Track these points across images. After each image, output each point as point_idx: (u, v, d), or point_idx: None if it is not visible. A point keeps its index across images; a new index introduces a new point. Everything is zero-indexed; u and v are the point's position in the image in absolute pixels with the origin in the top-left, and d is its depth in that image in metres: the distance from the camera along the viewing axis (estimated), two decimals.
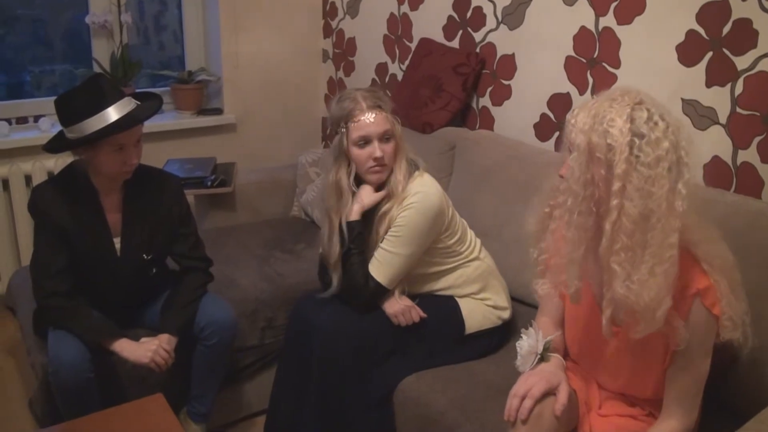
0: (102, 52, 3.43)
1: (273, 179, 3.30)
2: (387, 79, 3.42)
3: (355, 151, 2.05)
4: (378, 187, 2.10)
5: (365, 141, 2.05)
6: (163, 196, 2.19)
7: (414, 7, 3.21)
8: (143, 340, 2.09)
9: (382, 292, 2.05)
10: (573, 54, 2.55)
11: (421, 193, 2.02)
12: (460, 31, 2.99)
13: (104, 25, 3.39)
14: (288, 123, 3.84)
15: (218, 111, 3.66)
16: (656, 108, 1.45)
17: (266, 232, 3.03)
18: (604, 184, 1.45)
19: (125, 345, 2.06)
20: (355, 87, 2.17)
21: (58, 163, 3.20)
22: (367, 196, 2.08)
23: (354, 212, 2.08)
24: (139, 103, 2.06)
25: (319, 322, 2.04)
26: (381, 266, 2.04)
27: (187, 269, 2.24)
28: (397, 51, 3.35)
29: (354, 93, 2.07)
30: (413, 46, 3.21)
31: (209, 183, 3.02)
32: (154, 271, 2.23)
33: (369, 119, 2.03)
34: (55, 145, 2.05)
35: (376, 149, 2.04)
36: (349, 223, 2.07)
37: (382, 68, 3.46)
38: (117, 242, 2.14)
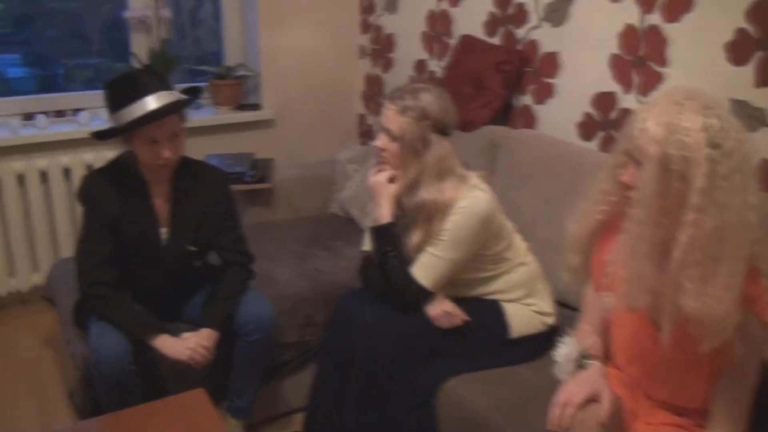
0: (140, 47, 3.47)
1: (311, 175, 3.31)
2: (425, 76, 3.41)
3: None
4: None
5: (379, 131, 2.07)
6: (210, 188, 2.20)
7: (454, 3, 3.20)
8: (184, 335, 2.10)
9: (426, 296, 2.03)
10: (618, 52, 2.52)
11: (470, 197, 2.00)
12: (502, 28, 2.97)
13: (143, 19, 3.43)
14: (325, 119, 3.85)
15: (256, 106, 3.68)
16: (722, 112, 1.42)
17: (304, 229, 3.04)
18: (677, 196, 1.41)
19: (165, 341, 2.07)
20: (419, 81, 2.14)
21: (98, 156, 3.24)
22: (384, 191, 2.08)
23: (385, 214, 2.07)
24: (183, 96, 2.07)
25: (362, 320, 2.03)
26: (426, 269, 2.02)
27: (229, 264, 2.25)
28: (436, 48, 3.34)
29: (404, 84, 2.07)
30: (452, 42, 3.20)
31: (248, 178, 3.04)
32: (198, 263, 2.24)
33: (384, 110, 2.04)
34: (100, 133, 2.08)
35: (377, 139, 2.07)
36: (382, 227, 2.07)
37: (420, 65, 3.45)
38: (164, 232, 2.16)
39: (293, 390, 2.51)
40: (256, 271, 2.32)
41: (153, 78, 2.03)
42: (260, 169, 3.16)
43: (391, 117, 2.02)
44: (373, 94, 3.84)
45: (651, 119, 1.43)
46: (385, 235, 2.06)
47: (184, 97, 2.08)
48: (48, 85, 3.74)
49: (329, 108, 3.86)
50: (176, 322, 2.24)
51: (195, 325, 2.16)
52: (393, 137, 2.02)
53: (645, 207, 1.44)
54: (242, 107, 3.66)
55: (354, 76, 3.90)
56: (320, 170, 3.34)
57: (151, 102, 1.98)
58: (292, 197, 3.23)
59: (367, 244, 2.18)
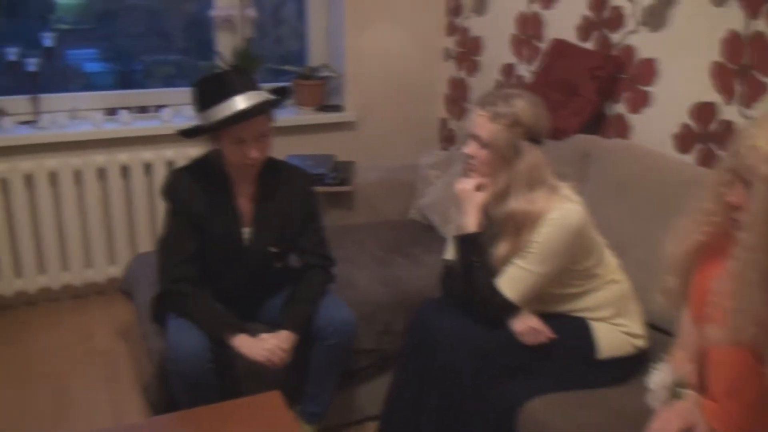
0: (224, 46, 3.56)
1: (392, 180, 3.34)
2: (513, 81, 3.39)
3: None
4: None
5: (468, 137, 2.06)
6: (295, 190, 2.25)
7: (546, 5, 3.18)
8: (263, 336, 2.14)
9: (511, 309, 2.01)
10: (720, 59, 2.46)
11: (562, 209, 1.97)
12: (596, 32, 2.93)
13: (228, 18, 3.52)
14: (407, 122, 3.88)
15: (339, 108, 3.73)
16: None
17: (384, 234, 3.07)
18: None
19: (244, 341, 2.12)
20: (513, 86, 2.13)
21: (178, 153, 3.35)
22: (471, 199, 2.07)
23: (472, 223, 2.07)
24: (272, 96, 2.12)
25: (443, 330, 2.03)
26: (512, 282, 2.00)
27: (310, 266, 2.29)
28: (526, 51, 3.32)
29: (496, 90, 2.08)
30: (543, 46, 3.18)
31: (329, 180, 3.09)
32: (279, 265, 2.29)
33: (473, 116, 2.04)
34: (187, 131, 2.14)
35: (466, 146, 2.06)
36: (468, 236, 2.07)
37: (507, 69, 3.43)
38: (246, 232, 2.21)
39: (368, 397, 2.54)
40: (337, 274, 2.35)
41: (242, 78, 2.08)
42: (341, 171, 3.21)
43: (482, 123, 2.01)
44: (457, 98, 3.84)
45: (762, 136, 1.39)
46: (471, 244, 2.05)
47: (272, 97, 2.12)
48: (125, 80, 3.88)
49: (411, 111, 3.88)
50: (254, 322, 2.29)
51: (273, 327, 2.20)
52: (483, 144, 2.02)
53: (756, 231, 1.39)
54: (324, 108, 3.72)
55: (437, 80, 3.91)
56: (401, 175, 3.36)
57: (240, 102, 2.03)
58: (373, 201, 3.26)
59: (450, 253, 2.18)
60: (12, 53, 3.17)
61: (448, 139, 3.94)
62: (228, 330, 2.12)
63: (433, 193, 3.16)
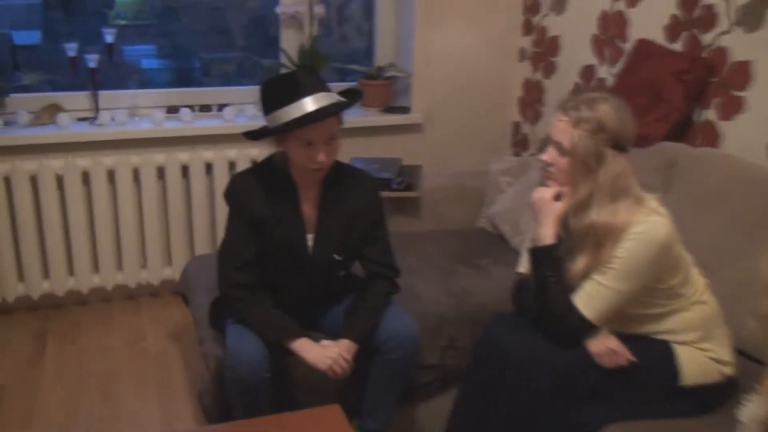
0: (290, 44, 3.59)
1: (460, 186, 3.32)
2: (593, 84, 3.33)
3: None
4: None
5: (546, 143, 2.03)
6: (360, 195, 2.24)
7: (631, 3, 3.11)
8: (324, 343, 2.15)
9: (588, 329, 1.97)
10: None
11: (647, 223, 1.92)
12: (685, 33, 2.85)
13: (294, 15, 3.55)
14: (477, 126, 3.85)
15: (405, 109, 3.73)
16: None
17: (451, 243, 3.05)
18: None
19: (306, 345, 2.13)
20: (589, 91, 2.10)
21: (240, 153, 3.39)
22: (549, 209, 2.03)
23: (548, 235, 2.03)
24: (342, 99, 2.12)
25: (515, 348, 2.00)
26: (591, 300, 1.96)
27: (374, 276, 2.28)
28: (608, 52, 3.25)
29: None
30: (627, 47, 3.11)
31: (395, 185, 3.10)
32: (342, 273, 2.29)
33: (553, 121, 2.00)
34: (253, 133, 2.16)
35: (544, 152, 2.03)
36: (544, 249, 2.03)
37: (588, 71, 3.37)
38: (310, 239, 2.22)
39: (429, 415, 2.51)
40: (401, 285, 2.34)
41: (312, 79, 2.09)
42: (407, 175, 3.20)
43: (563, 129, 1.97)
44: (532, 101, 3.79)
45: None
46: (546, 257, 2.02)
47: (342, 99, 2.12)
48: (183, 78, 3.95)
49: (482, 114, 3.85)
50: (314, 331, 2.29)
51: (333, 336, 2.20)
52: (563, 151, 1.97)
53: None
54: (390, 110, 3.72)
55: (511, 81, 3.87)
56: (470, 181, 3.34)
57: (310, 103, 2.03)
58: (439, 208, 3.25)
59: (523, 266, 2.15)
60: (71, 49, 3.25)
61: (521, 144, 3.89)
62: (288, 334, 2.13)
63: (504, 201, 3.13)
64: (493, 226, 3.18)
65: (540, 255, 2.04)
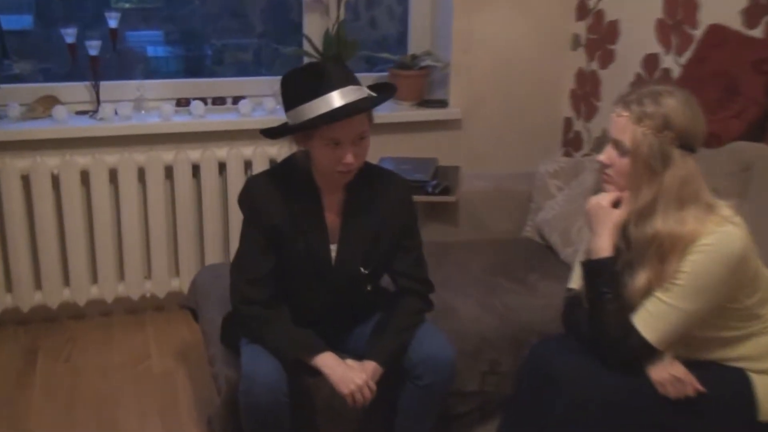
0: (314, 29, 3.61)
1: (503, 190, 3.32)
2: (658, 76, 3.30)
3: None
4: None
5: (603, 141, 2.02)
6: (390, 200, 2.24)
7: None
8: (349, 362, 2.16)
9: (649, 353, 1.95)
10: None
11: (719, 233, 1.90)
12: (766, 18, 2.82)
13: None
14: (523, 122, 3.85)
15: (442, 103, 3.73)
16: None
17: (492, 254, 3.05)
18: None
19: (330, 361, 2.13)
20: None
21: (256, 151, 3.41)
22: (606, 217, 2.02)
23: (604, 247, 2.01)
24: (372, 93, 2.12)
25: (564, 374, 1.99)
26: (652, 320, 1.94)
27: (404, 291, 2.28)
28: (675, 39, 3.22)
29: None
30: (697, 33, 3.08)
31: (430, 189, 3.09)
32: (369, 288, 2.29)
33: (613, 117, 1.99)
34: (272, 130, 2.16)
35: (602, 152, 2.01)
36: (599, 262, 2.02)
37: (651, 60, 3.34)
38: (333, 249, 2.23)
39: None
40: (435, 301, 2.33)
41: (340, 70, 2.10)
42: (443, 178, 3.20)
43: (624, 126, 1.96)
44: (586, 94, 3.77)
45: None
46: (602, 271, 2.00)
47: (373, 94, 2.12)
48: (193, 67, 3.98)
49: (529, 109, 3.84)
50: (338, 352, 2.27)
51: (358, 358, 2.20)
52: (623, 151, 1.96)
53: None
54: (426, 103, 3.72)
55: (562, 72, 3.86)
56: (514, 184, 3.33)
57: (337, 98, 2.04)
58: (480, 214, 3.25)
59: (575, 281, 2.14)
60: (70, 35, 3.28)
61: (574, 143, 3.88)
62: (310, 349, 2.14)
63: (554, 208, 3.12)
64: (541, 236, 3.17)
65: (594, 269, 2.02)
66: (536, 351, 2.14)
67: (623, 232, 2.02)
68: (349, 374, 2.11)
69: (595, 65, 3.70)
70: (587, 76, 3.76)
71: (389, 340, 2.20)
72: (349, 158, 2.08)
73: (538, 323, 2.50)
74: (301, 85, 2.09)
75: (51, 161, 3.23)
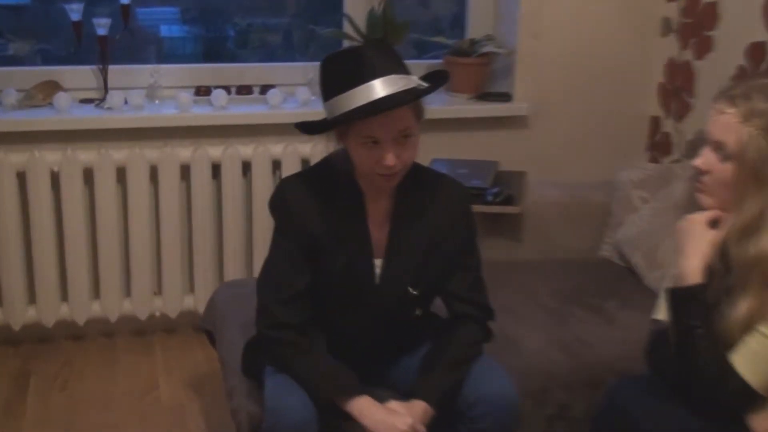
0: (356, 7, 3.63)
1: (577, 201, 3.32)
2: (764, 67, 3.27)
3: None
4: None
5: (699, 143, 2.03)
6: (445, 210, 2.24)
7: None
8: (391, 405, 2.15)
9: (750, 399, 1.93)
10: None
11: None
12: None
13: None
14: (602, 120, 3.84)
15: (505, 97, 3.72)
16: None
17: (563, 277, 3.05)
18: None
19: (366, 408, 2.12)
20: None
21: (287, 149, 3.44)
22: (700, 235, 2.00)
23: (695, 271, 1.99)
24: (422, 83, 2.10)
25: (647, 421, 1.98)
26: (756, 360, 1.92)
27: (460, 317, 2.28)
28: None
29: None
30: None
31: (490, 198, 3.09)
32: (418, 312, 2.29)
33: (712, 114, 1.98)
34: (309, 125, 2.17)
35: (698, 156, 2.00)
36: (690, 289, 2.00)
37: (757, 49, 3.31)
38: (378, 266, 2.23)
39: None
40: (495, 331, 2.33)
41: (384, 56, 2.08)
42: (505, 185, 3.20)
43: (727, 125, 1.94)
44: (677, 88, 3.75)
45: None
46: (693, 301, 1.99)
47: (423, 84, 2.11)
48: (214, 50, 4.00)
49: (609, 105, 3.83)
50: (380, 387, 2.29)
51: (403, 395, 2.20)
52: (725, 155, 1.95)
53: None
54: (485, 97, 3.72)
55: (650, 62, 3.85)
56: (590, 194, 3.34)
57: (378, 88, 2.03)
58: (548, 229, 3.25)
59: (661, 312, 2.12)
60: (75, 11, 3.33)
61: (662, 146, 3.86)
62: (344, 391, 2.13)
63: (637, 223, 3.11)
64: (621, 257, 3.16)
65: (683, 297, 2.01)
66: (614, 393, 2.12)
67: (721, 252, 2.00)
68: (390, 419, 2.10)
69: (688, 55, 3.68)
70: (679, 68, 3.73)
71: (441, 376, 2.18)
72: (389, 159, 2.06)
73: (617, 360, 2.49)
74: (338, 73, 2.09)
75: (50, 157, 3.28)
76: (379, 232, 2.22)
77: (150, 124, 3.38)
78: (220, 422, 2.91)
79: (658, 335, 2.12)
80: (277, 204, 2.23)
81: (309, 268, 2.19)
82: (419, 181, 2.23)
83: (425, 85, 2.11)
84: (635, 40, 3.81)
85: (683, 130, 3.71)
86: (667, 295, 2.07)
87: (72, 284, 3.41)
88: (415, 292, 2.23)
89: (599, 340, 2.63)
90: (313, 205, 2.18)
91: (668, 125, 3.82)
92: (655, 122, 3.89)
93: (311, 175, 2.27)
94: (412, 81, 2.08)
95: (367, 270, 2.22)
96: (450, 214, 2.24)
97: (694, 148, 3.44)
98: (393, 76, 2.05)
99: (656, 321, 2.14)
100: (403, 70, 2.09)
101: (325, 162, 2.26)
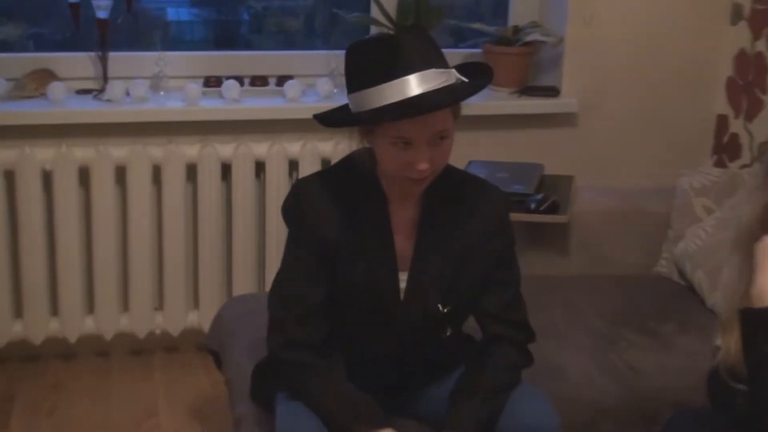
0: None
1: (631, 210, 3.32)
2: None
3: None
4: None
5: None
6: (480, 218, 2.23)
7: None
8: None
9: None
10: None
11: None
12: None
13: None
14: (661, 119, 3.83)
15: (552, 91, 3.73)
16: None
17: (614, 295, 3.04)
18: None
19: None
20: None
21: (305, 148, 3.45)
22: None
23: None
24: (462, 78, 2.10)
25: None
26: None
27: (496, 339, 2.27)
28: None
29: None
30: None
31: (533, 205, 3.09)
32: (449, 332, 2.27)
33: None
34: (330, 117, 2.17)
35: None
36: (762, 312, 1.98)
37: None
38: (403, 279, 2.22)
39: None
40: (535, 355, 2.32)
41: (422, 47, 2.07)
42: (551, 191, 3.20)
43: None
44: (748, 84, 3.74)
45: None
46: (765, 325, 1.98)
47: (463, 79, 2.10)
48: (225, 36, 4.02)
49: (670, 102, 3.83)
50: (405, 417, 2.30)
51: (433, 427, 2.20)
52: None
53: None
54: (530, 91, 3.73)
55: (717, 53, 3.84)
56: (647, 203, 3.34)
57: (414, 85, 2.03)
58: (598, 241, 3.25)
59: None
60: None
61: (729, 149, 3.85)
62: (364, 422, 2.12)
63: (700, 236, 3.10)
64: (681, 274, 3.16)
65: (757, 320, 1.97)
66: (671, 428, 2.11)
67: None
68: None
69: (762, 45, 3.66)
70: (751, 60, 3.72)
71: (475, 406, 2.17)
72: (423, 164, 2.05)
73: (674, 391, 2.48)
74: (368, 62, 2.08)
75: (43, 154, 3.30)
76: (404, 242, 2.21)
77: (154, 118, 3.41)
78: None
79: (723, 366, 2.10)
80: (290, 208, 2.22)
81: (325, 280, 2.18)
82: (451, 185, 2.22)
83: (465, 80, 2.09)
84: (701, 28, 3.80)
85: (754, 131, 3.70)
86: (740, 316, 2.07)
87: (63, 297, 3.43)
88: (445, 310, 2.22)
89: (654, 368, 2.62)
90: (331, 210, 2.18)
91: (737, 125, 3.81)
92: (722, 121, 3.88)
93: (329, 176, 2.27)
94: (452, 76, 2.06)
95: (390, 284, 2.21)
96: (485, 223, 2.23)
97: (767, 151, 3.44)
98: (432, 71, 2.03)
99: (719, 348, 2.12)
100: (442, 63, 2.06)
101: (346, 161, 2.26)
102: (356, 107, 2.09)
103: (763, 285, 1.98)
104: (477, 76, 2.14)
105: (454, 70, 2.08)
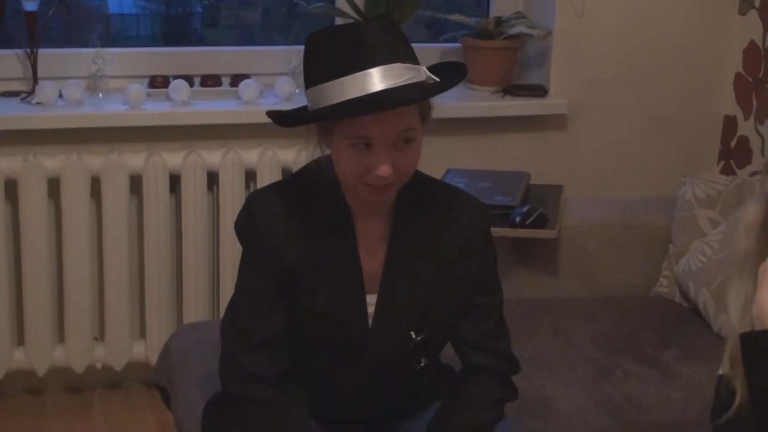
0: None
1: (628, 223, 3.34)
2: None
3: None
4: None
5: None
6: (458, 234, 2.24)
7: None
8: None
9: None
10: None
11: None
12: None
13: None
14: (662, 121, 3.87)
15: (539, 90, 3.75)
16: None
17: (608, 319, 3.06)
18: None
19: None
20: None
21: (264, 156, 3.46)
22: None
23: None
24: (432, 76, 2.10)
25: None
26: None
27: (476, 370, 2.28)
28: None
29: None
30: None
31: (518, 219, 3.09)
32: (423, 362, 2.25)
33: None
34: (285, 115, 2.17)
35: None
36: (759, 335, 2.01)
37: None
38: (371, 304, 2.22)
39: None
40: (519, 387, 2.34)
41: (387, 39, 2.08)
42: (538, 202, 3.21)
43: None
44: (758, 81, 3.78)
45: None
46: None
47: (433, 78, 2.11)
48: (174, 30, 4.02)
49: (670, 101, 3.86)
50: None
51: None
52: None
53: None
54: (514, 90, 3.75)
55: (724, 47, 3.88)
56: (645, 215, 3.36)
57: (376, 79, 2.04)
58: (590, 259, 3.28)
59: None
60: None
61: (738, 154, 3.89)
62: None
63: (704, 253, 3.13)
64: (683, 294, 3.18)
65: (761, 346, 2.03)
66: None
67: None
68: None
69: None
70: (762, 54, 3.76)
71: None
72: (383, 168, 2.04)
73: (676, 425, 2.50)
74: (328, 55, 2.09)
75: None
76: (372, 261, 2.21)
77: (91, 123, 3.42)
78: None
79: (729, 395, 2.10)
80: (243, 225, 2.22)
81: (283, 305, 2.18)
82: (424, 197, 2.22)
83: (436, 79, 2.11)
84: (706, 19, 3.84)
85: (766, 134, 3.73)
86: (742, 342, 2.10)
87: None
88: (418, 338, 2.22)
89: (653, 401, 2.64)
90: (290, 227, 2.17)
91: (746, 127, 3.85)
92: (730, 123, 3.92)
93: (287, 187, 2.27)
94: (421, 73, 2.08)
95: (356, 308, 2.21)
96: (463, 239, 2.23)
97: None
98: (398, 65, 2.05)
99: (725, 377, 2.14)
100: (411, 59, 2.08)
101: (306, 170, 2.25)
102: (313, 104, 2.08)
103: (760, 307, 2.03)
104: (448, 73, 2.16)
105: (424, 68, 2.09)
